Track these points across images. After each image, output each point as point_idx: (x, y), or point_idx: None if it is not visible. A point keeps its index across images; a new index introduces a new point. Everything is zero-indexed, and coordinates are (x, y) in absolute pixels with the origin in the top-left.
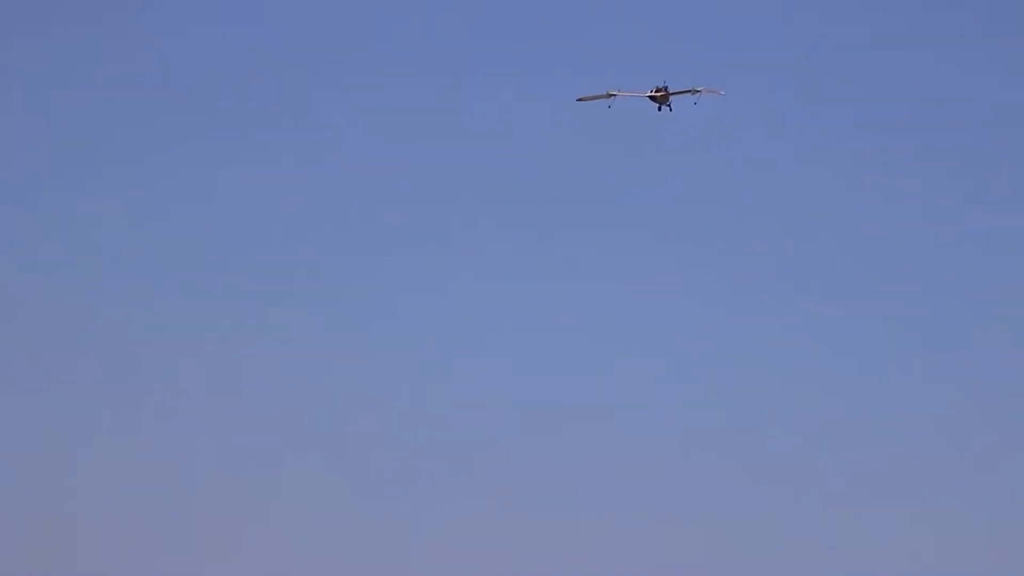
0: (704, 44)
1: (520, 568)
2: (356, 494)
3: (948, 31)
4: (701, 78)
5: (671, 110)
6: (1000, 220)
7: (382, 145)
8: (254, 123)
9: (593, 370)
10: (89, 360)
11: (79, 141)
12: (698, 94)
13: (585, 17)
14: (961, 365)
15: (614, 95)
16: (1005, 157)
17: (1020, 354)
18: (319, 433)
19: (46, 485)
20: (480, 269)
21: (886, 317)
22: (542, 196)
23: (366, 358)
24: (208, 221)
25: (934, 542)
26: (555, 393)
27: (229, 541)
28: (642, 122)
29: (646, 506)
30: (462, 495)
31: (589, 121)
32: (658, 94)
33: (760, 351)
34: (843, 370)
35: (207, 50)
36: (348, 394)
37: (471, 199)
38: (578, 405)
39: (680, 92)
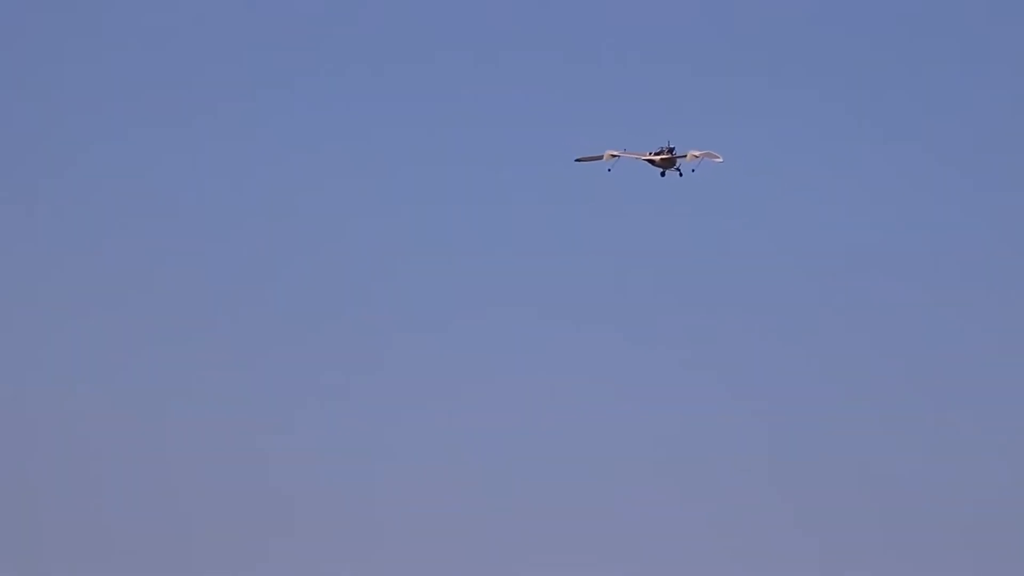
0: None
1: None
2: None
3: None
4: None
5: (680, 174)
6: None
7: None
8: None
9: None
10: None
11: None
12: (696, 160)
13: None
14: None
15: (616, 156)
16: None
17: None
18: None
19: None
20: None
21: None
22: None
23: None
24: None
25: None
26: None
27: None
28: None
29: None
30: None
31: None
32: (659, 157)
33: None
34: None
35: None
36: None
37: None
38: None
39: (680, 156)
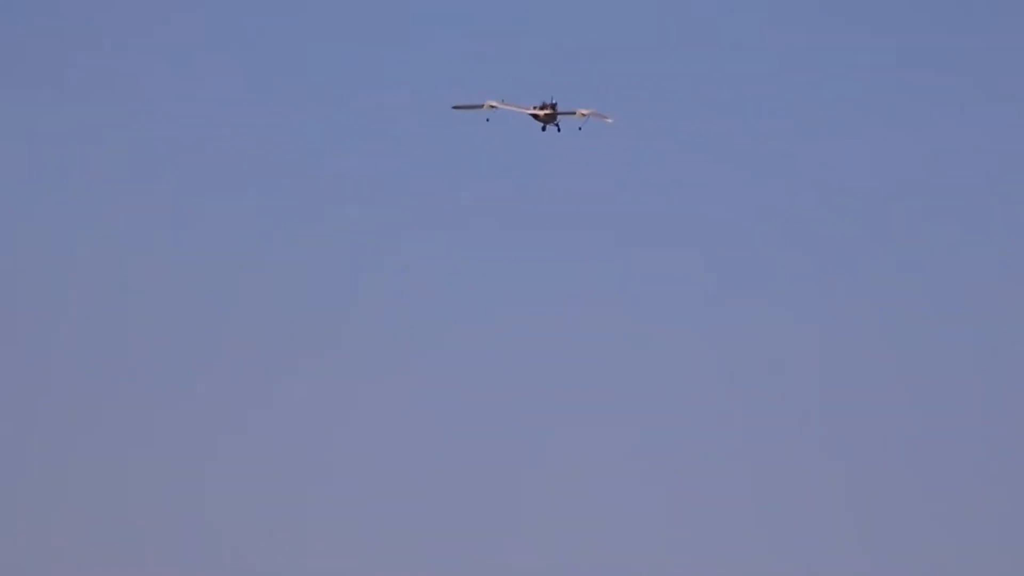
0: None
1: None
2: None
3: None
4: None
5: (559, 130)
6: None
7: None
8: None
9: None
10: None
11: None
12: (584, 118)
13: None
14: None
15: (494, 107)
16: None
17: None
18: None
19: None
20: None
21: None
22: None
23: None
24: None
25: None
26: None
27: None
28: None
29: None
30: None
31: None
32: (543, 112)
33: None
34: None
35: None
36: None
37: None
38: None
39: (566, 113)
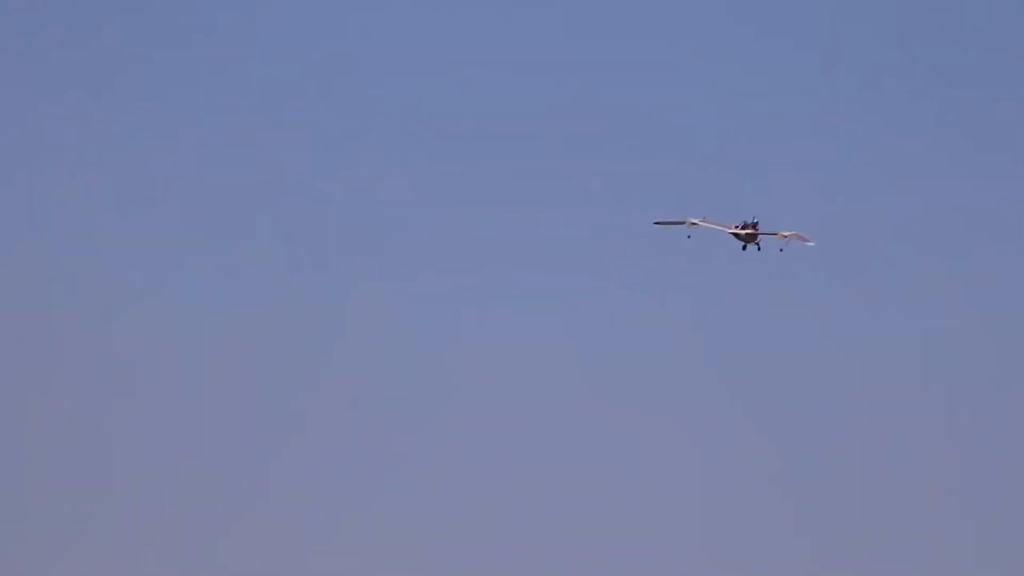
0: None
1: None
2: None
3: None
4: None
5: (759, 249)
6: None
7: None
8: None
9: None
10: None
11: None
12: (785, 240)
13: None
14: None
15: (695, 224)
16: None
17: None
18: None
19: None
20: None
21: None
22: None
23: None
24: None
25: None
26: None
27: None
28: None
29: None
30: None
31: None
32: (744, 231)
33: None
34: None
35: None
36: None
37: None
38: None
39: (768, 233)
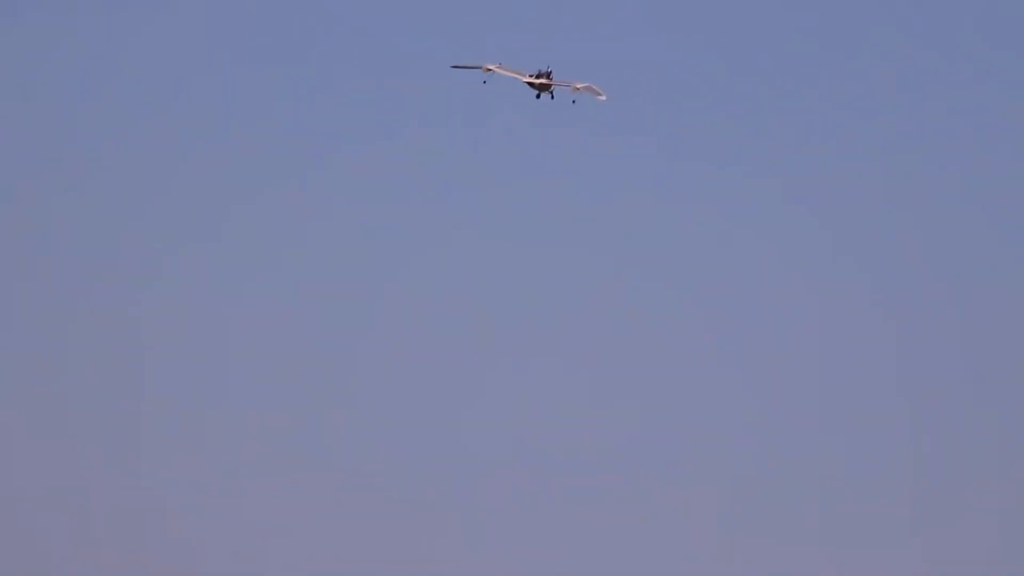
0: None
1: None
2: None
3: None
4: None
5: (552, 98)
6: None
7: None
8: None
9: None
10: None
11: None
12: (577, 92)
13: None
14: None
15: (491, 70)
16: None
17: None
18: None
19: None
20: None
21: None
22: None
23: None
24: None
25: None
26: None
27: None
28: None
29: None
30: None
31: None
32: (538, 80)
33: None
34: None
35: None
36: None
37: None
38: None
39: (561, 84)
